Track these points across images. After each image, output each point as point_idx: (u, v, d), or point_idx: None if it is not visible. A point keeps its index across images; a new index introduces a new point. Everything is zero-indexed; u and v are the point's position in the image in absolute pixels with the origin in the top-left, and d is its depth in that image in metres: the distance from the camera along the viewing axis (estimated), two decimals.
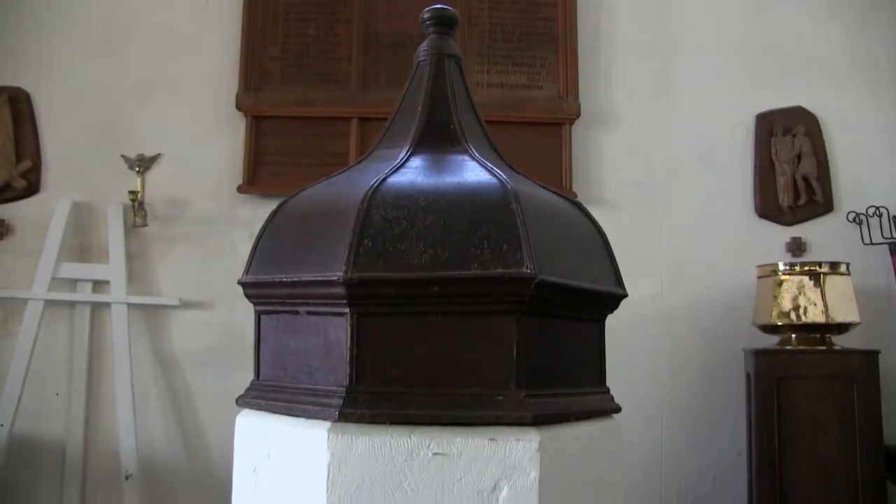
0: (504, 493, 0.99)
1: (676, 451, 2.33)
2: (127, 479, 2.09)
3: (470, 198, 1.06)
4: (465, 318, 1.03)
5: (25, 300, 2.20)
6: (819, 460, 2.04)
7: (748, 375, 2.19)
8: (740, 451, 2.28)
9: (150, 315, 2.28)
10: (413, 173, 1.13)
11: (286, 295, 1.10)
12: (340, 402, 1.00)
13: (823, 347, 2.08)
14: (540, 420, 1.01)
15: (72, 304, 2.27)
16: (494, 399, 1.01)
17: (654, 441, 2.31)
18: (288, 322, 1.13)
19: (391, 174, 1.11)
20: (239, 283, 1.18)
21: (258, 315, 1.19)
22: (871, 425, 2.02)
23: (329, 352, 1.05)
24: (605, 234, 1.25)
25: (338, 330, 1.04)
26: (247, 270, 1.18)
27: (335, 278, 1.01)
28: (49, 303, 2.22)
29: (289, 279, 1.08)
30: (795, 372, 2.05)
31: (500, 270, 1.01)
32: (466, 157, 1.17)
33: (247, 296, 1.19)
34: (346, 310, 1.02)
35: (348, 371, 1.01)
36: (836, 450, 2.03)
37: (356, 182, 1.12)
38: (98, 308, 2.27)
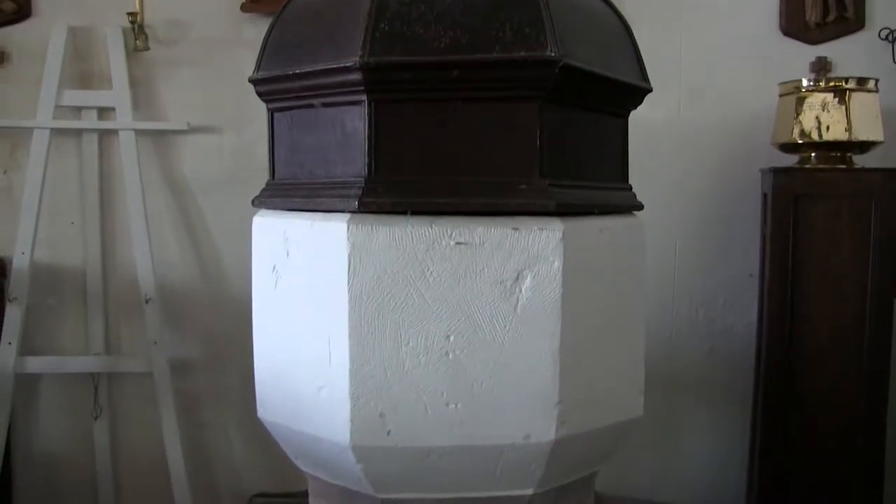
0: (527, 282, 0.99)
1: (689, 273, 2.35)
2: (147, 302, 2.13)
3: None
4: (486, 105, 0.99)
5: (31, 129, 2.16)
6: (831, 279, 2.05)
7: (764, 195, 2.16)
8: (752, 272, 2.30)
9: (159, 141, 2.25)
10: None
11: (300, 88, 1.06)
12: (360, 192, 0.98)
13: (844, 166, 2.04)
14: (563, 209, 1.00)
15: (78, 133, 2.23)
16: (517, 188, 0.99)
17: (667, 263, 2.33)
18: (302, 117, 1.09)
19: None
20: (250, 80, 1.14)
21: (271, 113, 1.15)
22: (887, 244, 2.01)
23: (346, 144, 1.02)
24: (630, 27, 1.19)
25: (354, 120, 1.01)
26: (257, 67, 1.13)
27: (351, 64, 0.96)
28: (55, 132, 2.18)
29: (302, 70, 1.03)
30: (813, 190, 2.03)
31: (523, 53, 0.96)
32: None
33: (259, 94, 1.15)
34: (363, 98, 0.98)
35: (367, 161, 0.99)
36: (850, 268, 2.03)
37: None
38: (105, 135, 2.23)
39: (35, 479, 2.33)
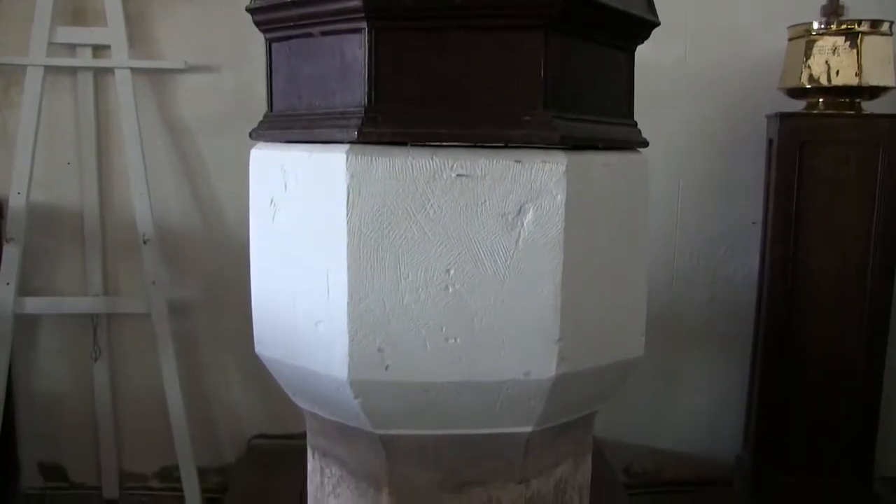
0: (529, 216, 0.96)
1: (690, 220, 2.33)
2: (145, 243, 2.11)
3: None
4: (489, 34, 0.95)
5: (24, 68, 2.12)
6: (835, 226, 2.03)
7: (770, 141, 2.14)
8: (755, 220, 2.28)
9: (156, 81, 2.21)
10: None
11: (298, 16, 1.03)
12: (359, 122, 0.95)
13: (852, 112, 2.01)
14: (568, 142, 0.97)
15: (73, 71, 2.19)
16: (521, 119, 0.96)
17: (669, 211, 2.31)
18: (301, 46, 1.06)
19: None
20: (247, 9, 1.10)
21: (269, 44, 1.12)
22: (894, 193, 1.99)
23: (346, 73, 0.99)
24: None
25: (354, 48, 0.97)
26: None
27: None
28: (49, 69, 2.14)
29: None
30: (820, 136, 2.00)
31: None
32: None
33: (256, 23, 1.11)
34: (363, 25, 0.95)
35: (366, 90, 0.96)
36: (854, 215, 2.02)
37: None
38: (101, 74, 2.19)
39: (37, 418, 2.35)
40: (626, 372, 1.15)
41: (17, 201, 2.09)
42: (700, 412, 2.44)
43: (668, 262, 2.33)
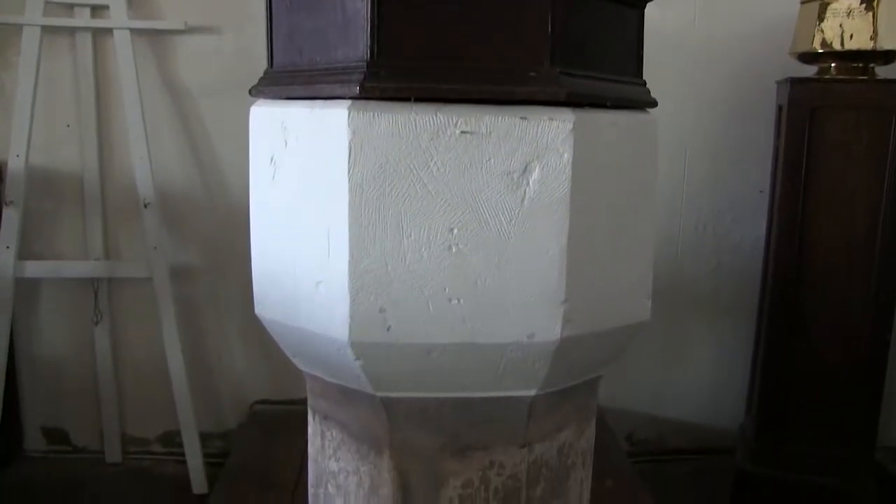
0: (535, 174, 0.94)
1: (697, 188, 2.31)
2: (145, 206, 2.09)
3: None
4: None
5: (20, 27, 2.08)
6: (844, 194, 2.00)
7: (779, 108, 2.10)
8: (763, 188, 2.25)
9: (156, 42, 2.17)
10: None
11: None
12: (361, 77, 0.92)
13: (865, 77, 1.97)
14: (574, 99, 0.94)
15: (71, 32, 2.15)
16: (527, 75, 0.94)
17: (676, 176, 2.28)
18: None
19: None
20: None
21: None
22: None
23: (347, 26, 0.96)
24: None
25: (356, 1, 0.94)
26: None
27: None
28: (46, 30, 2.10)
29: None
30: (832, 102, 1.96)
31: None
32: None
33: None
34: None
35: (369, 44, 0.93)
36: (864, 183, 1.98)
37: None
38: (100, 35, 2.16)
39: (39, 382, 2.35)
40: (632, 336, 1.13)
41: (15, 164, 2.07)
42: (703, 381, 2.43)
43: (673, 230, 2.31)
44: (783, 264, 2.07)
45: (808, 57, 2.01)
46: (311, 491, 1.25)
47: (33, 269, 2.16)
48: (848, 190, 2.00)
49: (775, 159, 2.14)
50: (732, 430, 2.35)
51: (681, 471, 2.38)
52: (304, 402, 1.26)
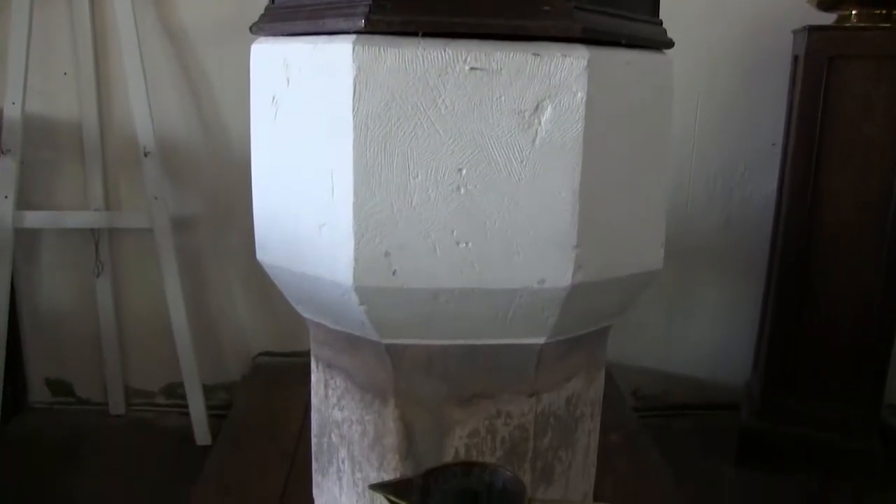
0: (547, 114, 0.90)
1: (708, 140, 2.25)
2: (146, 156, 2.05)
3: None
4: None
5: None
6: (860, 148, 1.95)
7: (795, 58, 2.04)
8: (775, 141, 2.20)
9: None
10: None
11: None
12: (366, 10, 0.88)
13: (887, 24, 1.90)
14: (589, 35, 0.90)
15: None
16: (540, 9, 0.89)
17: (686, 128, 2.23)
18: None
19: None
20: None
21: None
22: None
23: None
24: None
25: None
26: None
27: None
28: None
29: None
30: (851, 50, 1.89)
31: None
32: None
33: None
34: None
35: None
36: (881, 136, 1.93)
37: None
38: None
39: (42, 334, 2.33)
40: (644, 285, 1.10)
41: (11, 111, 2.02)
42: (710, 337, 2.41)
43: (682, 183, 2.27)
44: (794, 220, 2.03)
45: (826, 4, 1.95)
46: (314, 440, 1.24)
47: (33, 219, 2.13)
48: (864, 144, 1.95)
49: (789, 112, 2.08)
50: (738, 387, 2.34)
51: (686, 426, 2.37)
52: (307, 354, 1.23)
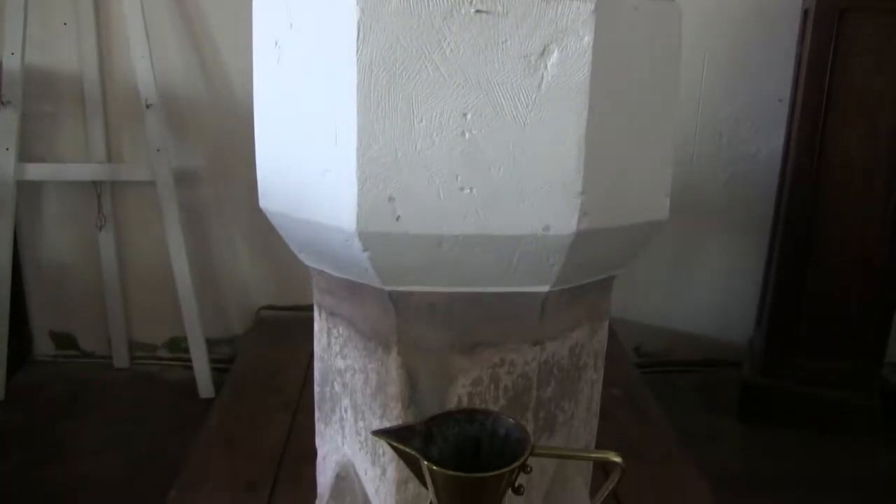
0: (553, 58, 0.89)
1: (714, 95, 2.23)
2: (148, 107, 2.04)
3: None
4: None
5: None
6: (869, 106, 1.93)
7: (805, 12, 2.01)
8: (782, 97, 2.18)
9: None
10: None
11: None
12: None
13: None
14: None
15: None
16: None
17: (692, 83, 2.20)
18: None
19: None
20: None
21: None
22: None
23: None
24: None
25: None
26: None
27: None
28: None
29: None
30: (862, 3, 1.87)
31: None
32: None
33: None
34: None
35: None
36: (891, 93, 1.91)
37: None
38: None
39: (46, 287, 2.34)
40: (649, 235, 1.09)
41: (11, 62, 2.00)
42: (714, 294, 2.41)
43: (688, 138, 2.25)
44: (800, 177, 2.01)
45: None
46: (317, 390, 1.24)
47: (34, 171, 2.12)
48: (873, 100, 1.93)
49: (797, 66, 2.06)
50: (741, 344, 2.34)
51: (688, 382, 2.39)
52: (310, 308, 1.23)
